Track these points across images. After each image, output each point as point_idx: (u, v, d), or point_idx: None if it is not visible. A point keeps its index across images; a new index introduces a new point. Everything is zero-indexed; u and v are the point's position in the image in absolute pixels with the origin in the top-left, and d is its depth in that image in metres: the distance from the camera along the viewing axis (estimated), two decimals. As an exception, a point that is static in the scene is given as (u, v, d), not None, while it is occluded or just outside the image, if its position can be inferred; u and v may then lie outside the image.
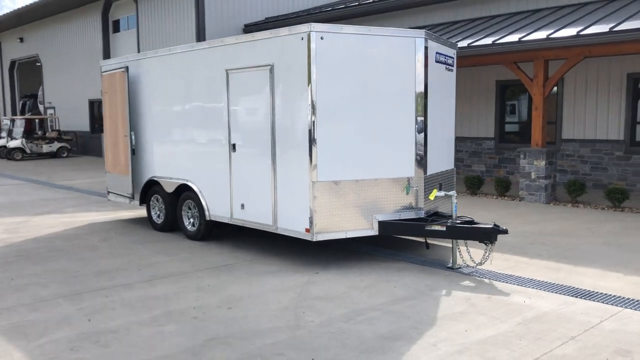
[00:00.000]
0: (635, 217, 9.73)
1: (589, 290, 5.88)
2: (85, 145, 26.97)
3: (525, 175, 11.61)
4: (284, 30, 6.77)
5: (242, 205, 7.49)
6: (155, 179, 9.01)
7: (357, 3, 17.02)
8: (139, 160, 9.33)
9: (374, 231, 6.90)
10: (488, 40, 11.60)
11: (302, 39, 6.51)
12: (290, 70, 6.70)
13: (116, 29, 24.90)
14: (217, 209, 7.91)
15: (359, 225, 6.83)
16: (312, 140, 6.54)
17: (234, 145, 7.55)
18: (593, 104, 13.00)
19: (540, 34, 10.93)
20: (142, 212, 10.96)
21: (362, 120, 6.79)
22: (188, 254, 7.55)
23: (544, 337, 4.68)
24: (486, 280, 6.29)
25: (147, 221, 9.99)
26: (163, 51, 8.66)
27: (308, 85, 6.50)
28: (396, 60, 6.88)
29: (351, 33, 6.63)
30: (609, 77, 12.71)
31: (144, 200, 9.43)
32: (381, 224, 6.87)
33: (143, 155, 9.25)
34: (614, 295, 5.71)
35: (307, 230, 6.68)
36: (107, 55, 24.85)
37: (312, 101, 6.49)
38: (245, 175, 7.41)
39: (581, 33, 10.30)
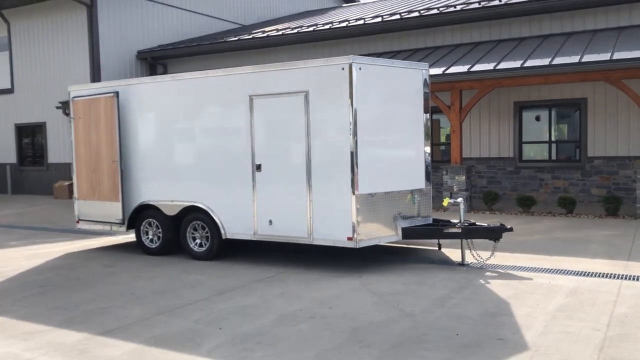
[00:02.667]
0: (550, 219, 11.82)
1: (582, 271, 7.41)
2: None
3: (448, 188, 13.35)
4: (321, 61, 7.56)
5: (270, 222, 8.00)
6: (150, 203, 9.06)
7: (263, 35, 17.93)
8: (126, 186, 9.27)
9: (398, 237, 7.88)
10: (414, 72, 13.21)
11: (343, 69, 7.35)
12: (329, 97, 7.49)
13: (-25, 51, 22.82)
14: (236, 227, 8.30)
15: (389, 232, 7.78)
16: (353, 158, 7.37)
17: (258, 166, 8.06)
18: (486, 127, 15.28)
19: (461, 68, 12.82)
20: (106, 239, 10.70)
21: (387, 140, 7.80)
22: (221, 271, 7.85)
23: (595, 302, 6.03)
24: (501, 271, 7.58)
25: (126, 247, 9.88)
26: (164, 77, 8.87)
27: (349, 110, 7.34)
28: (409, 89, 8.03)
29: (380, 65, 7.65)
30: (498, 105, 15.08)
31: (131, 225, 9.37)
32: (404, 230, 7.88)
33: (131, 180, 9.23)
34: (603, 273, 7.30)
35: (349, 239, 7.46)
36: (-36, 79, 22.64)
37: (353, 124, 7.34)
38: (274, 194, 7.95)
39: (497, 67, 12.34)
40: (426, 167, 8.25)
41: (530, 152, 15.10)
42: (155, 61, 20.25)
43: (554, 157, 14.79)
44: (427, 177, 8.27)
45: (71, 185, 18.80)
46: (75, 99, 9.67)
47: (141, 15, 20.19)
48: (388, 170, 7.79)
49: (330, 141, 7.55)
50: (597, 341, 4.91)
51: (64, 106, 18.83)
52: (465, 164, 13.71)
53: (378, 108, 7.67)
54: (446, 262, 8.15)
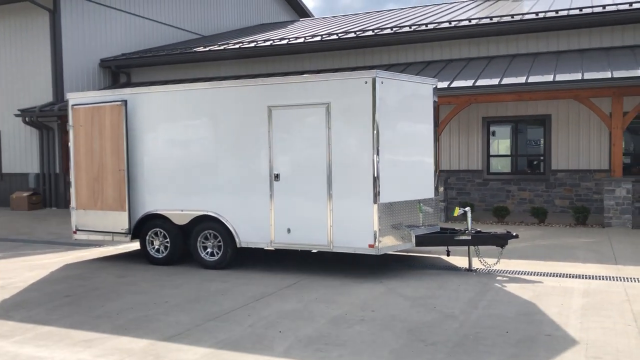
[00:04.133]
0: (525, 228, 12.50)
1: (583, 274, 7.99)
2: None
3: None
4: (344, 74, 7.87)
5: (289, 230, 8.17)
6: (158, 212, 9.01)
7: (235, 47, 18.03)
8: (132, 196, 9.18)
9: (412, 244, 8.23)
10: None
11: (366, 82, 7.67)
12: (351, 109, 7.77)
13: None
14: (252, 236, 8.41)
15: (404, 240, 8.11)
16: (375, 169, 7.68)
17: (277, 175, 8.22)
18: (456, 141, 15.98)
19: (441, 84, 13.39)
20: (97, 250, 10.49)
21: (403, 150, 8.17)
22: (241, 279, 7.93)
23: (612, 302, 6.58)
24: (510, 275, 8.07)
25: (124, 257, 9.77)
26: (176, 87, 8.88)
27: (372, 122, 7.66)
28: (421, 102, 8.44)
29: (398, 79, 8.02)
30: (468, 120, 15.82)
31: (136, 235, 9.28)
32: (417, 237, 8.23)
33: (137, 190, 9.15)
34: (603, 276, 7.90)
35: (371, 246, 7.74)
36: None
37: (376, 135, 7.66)
38: (292, 203, 8.13)
39: (475, 84, 13.01)
40: (435, 177, 8.67)
41: (498, 165, 15.91)
42: (119, 70, 19.92)
43: (520, 170, 15.65)
44: (435, 188, 8.69)
45: (30, 196, 18.16)
46: (75, 106, 9.51)
47: (104, 23, 19.83)
48: (404, 180, 8.15)
49: (352, 152, 7.82)
50: (635, 334, 5.41)
51: (24, 114, 18.22)
52: (442, 176, 14.29)
53: (396, 120, 8.03)
54: (453, 268, 8.56)
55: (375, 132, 7.66)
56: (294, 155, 8.15)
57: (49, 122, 18.39)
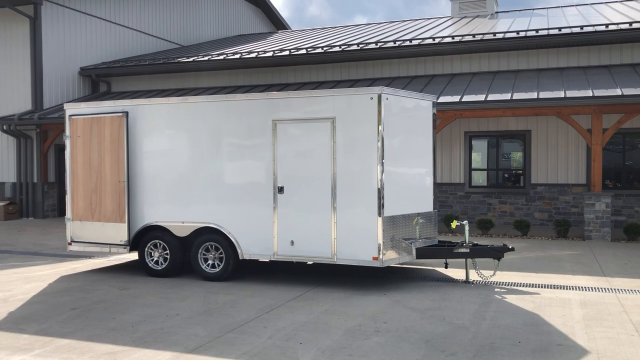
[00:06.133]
0: (509, 240, 12.85)
1: (576, 286, 8.31)
2: None
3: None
4: (350, 90, 8.02)
5: (292, 242, 8.27)
6: (158, 224, 9.00)
7: (219, 58, 18.07)
8: (131, 207, 9.15)
9: (413, 257, 8.42)
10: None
11: (372, 98, 7.86)
12: (357, 124, 7.94)
13: None
14: (255, 247, 8.48)
15: (405, 252, 8.30)
16: (380, 183, 7.85)
17: (280, 188, 8.32)
18: (439, 154, 16.33)
19: (428, 99, 13.70)
20: (89, 262, 10.39)
21: (405, 165, 8.37)
22: (245, 291, 7.98)
23: (610, 312, 6.87)
24: (507, 287, 8.32)
25: (119, 269, 9.70)
26: (179, 99, 8.91)
27: (377, 137, 7.85)
28: (421, 118, 8.67)
29: (401, 96, 8.24)
30: (450, 134, 16.18)
31: (134, 247, 9.25)
32: (418, 250, 8.44)
33: (136, 201, 9.13)
34: (596, 287, 8.23)
35: (375, 258, 7.89)
36: None
37: (380, 150, 7.84)
38: (296, 215, 8.24)
39: (462, 100, 13.36)
40: (434, 192, 8.90)
41: (479, 178, 16.30)
42: (99, 78, 19.74)
43: (500, 183, 16.07)
44: (434, 202, 8.91)
45: (7, 205, 17.78)
46: (73, 117, 9.45)
47: (84, 31, 19.65)
48: (405, 194, 8.35)
49: (356, 165, 7.98)
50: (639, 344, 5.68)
51: (2, 122, 17.87)
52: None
53: (399, 135, 8.24)
54: (450, 280, 8.77)
55: (380, 145, 7.85)
56: (298, 168, 8.27)
57: (27, 130, 18.09)
